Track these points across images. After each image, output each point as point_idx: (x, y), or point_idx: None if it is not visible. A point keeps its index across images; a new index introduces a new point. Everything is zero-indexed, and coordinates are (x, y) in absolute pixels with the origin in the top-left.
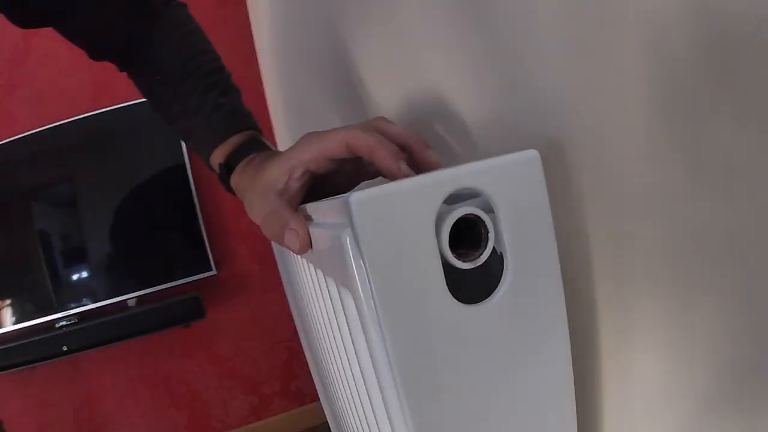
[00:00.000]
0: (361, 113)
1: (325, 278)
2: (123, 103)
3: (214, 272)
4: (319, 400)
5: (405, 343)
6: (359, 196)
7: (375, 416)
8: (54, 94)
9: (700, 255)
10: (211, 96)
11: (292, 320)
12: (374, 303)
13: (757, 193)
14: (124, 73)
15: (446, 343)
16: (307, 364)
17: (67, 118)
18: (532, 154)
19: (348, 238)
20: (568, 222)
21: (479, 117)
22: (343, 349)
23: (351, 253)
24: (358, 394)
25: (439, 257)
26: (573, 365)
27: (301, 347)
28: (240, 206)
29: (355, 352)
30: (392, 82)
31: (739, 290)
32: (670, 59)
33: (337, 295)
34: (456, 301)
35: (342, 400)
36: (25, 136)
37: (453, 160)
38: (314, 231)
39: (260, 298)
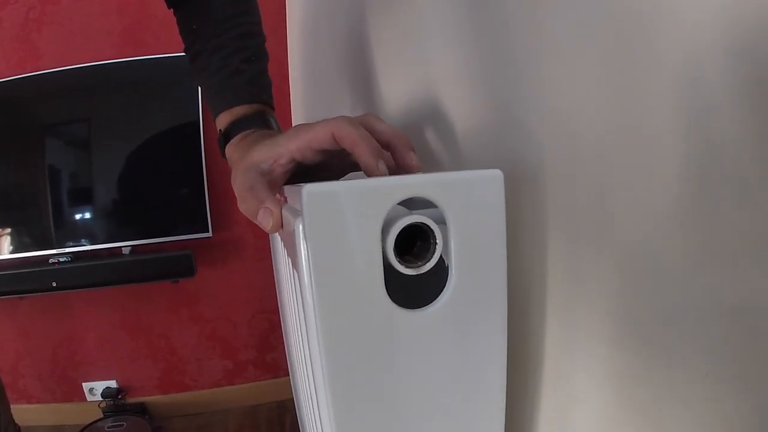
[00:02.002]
0: (369, 100)
1: (287, 258)
2: (147, 55)
3: (209, 234)
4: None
5: (337, 333)
6: (313, 188)
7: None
8: (81, 36)
9: (651, 310)
10: (235, 60)
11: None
12: (312, 291)
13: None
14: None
15: (378, 341)
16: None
17: (92, 61)
18: (495, 173)
19: (300, 226)
20: (531, 244)
21: (470, 125)
22: (298, 329)
23: (300, 241)
24: (307, 377)
25: (381, 259)
26: (510, 391)
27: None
28: None
29: (307, 335)
30: (400, 74)
31: (683, 347)
32: (697, 104)
33: (295, 275)
34: (393, 303)
35: (300, 379)
36: (48, 73)
37: (437, 164)
38: (285, 213)
39: (250, 267)
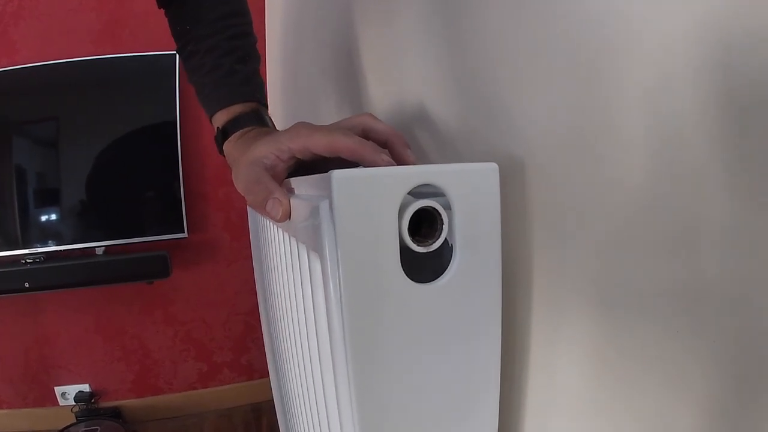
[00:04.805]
0: (357, 103)
1: (297, 245)
2: (125, 53)
3: (185, 235)
4: (268, 377)
5: (359, 305)
6: (340, 173)
7: (324, 393)
8: (59, 32)
9: (628, 287)
10: (229, 60)
11: (254, 294)
12: (338, 266)
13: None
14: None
15: (393, 311)
16: (261, 339)
17: (68, 57)
18: (492, 166)
19: (325, 207)
20: (518, 233)
21: (452, 127)
22: (302, 318)
23: (325, 221)
24: (310, 368)
25: (398, 237)
26: (502, 363)
27: (259, 322)
28: (221, 174)
29: (315, 322)
30: (381, 78)
31: (663, 319)
32: (668, 113)
33: (306, 261)
34: (406, 277)
35: (290, 375)
36: (22, 68)
37: (427, 160)
38: (294, 202)
39: (226, 268)
